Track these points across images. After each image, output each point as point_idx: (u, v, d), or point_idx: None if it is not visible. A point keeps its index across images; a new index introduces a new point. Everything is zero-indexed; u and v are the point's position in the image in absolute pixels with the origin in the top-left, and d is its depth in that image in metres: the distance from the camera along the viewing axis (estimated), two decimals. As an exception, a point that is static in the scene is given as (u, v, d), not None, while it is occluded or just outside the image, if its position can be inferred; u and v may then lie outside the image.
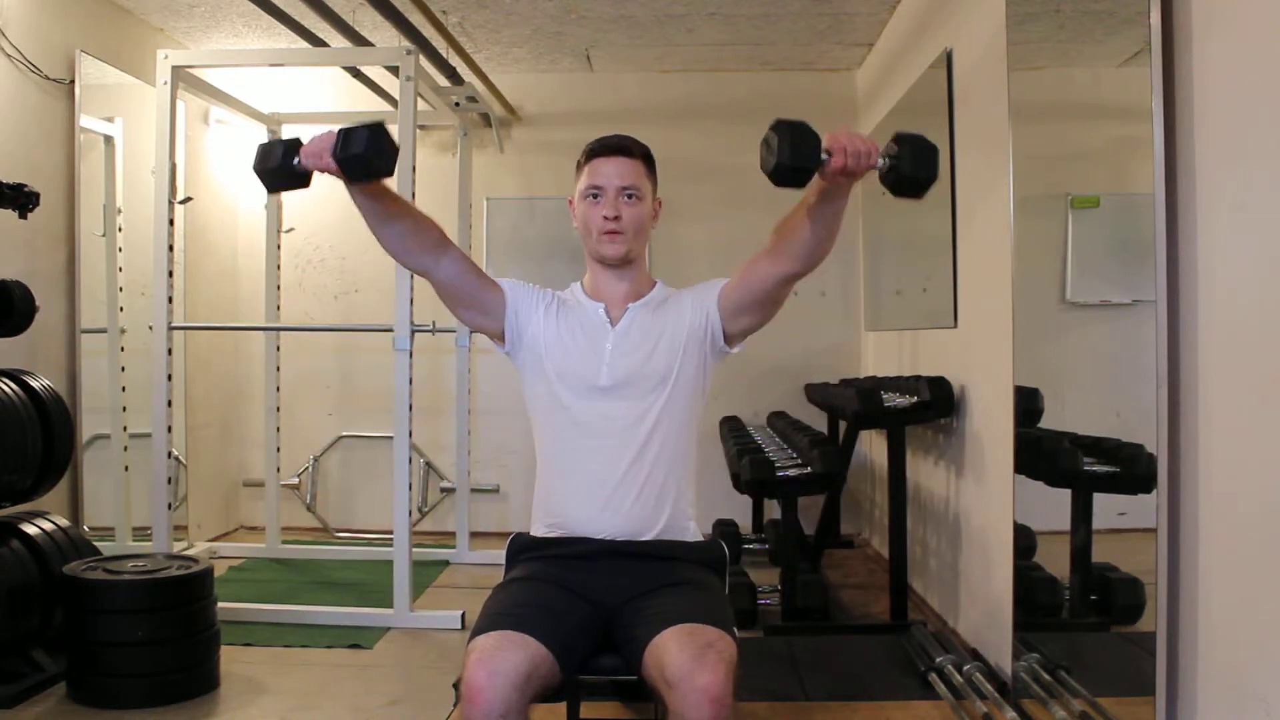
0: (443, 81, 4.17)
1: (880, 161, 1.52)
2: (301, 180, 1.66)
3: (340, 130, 1.58)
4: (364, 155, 1.57)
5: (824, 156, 1.50)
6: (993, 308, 2.83)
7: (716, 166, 4.92)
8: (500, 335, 1.91)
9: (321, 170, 1.62)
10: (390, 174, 1.64)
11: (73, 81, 3.60)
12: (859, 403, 3.35)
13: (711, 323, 1.86)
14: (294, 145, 1.63)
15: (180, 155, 3.70)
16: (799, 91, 4.93)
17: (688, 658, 1.49)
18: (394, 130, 3.35)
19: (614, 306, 1.92)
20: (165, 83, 3.48)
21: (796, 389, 4.76)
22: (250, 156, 1.70)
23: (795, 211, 1.71)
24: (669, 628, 1.57)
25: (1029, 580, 2.65)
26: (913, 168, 1.50)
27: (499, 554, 1.93)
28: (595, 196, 1.87)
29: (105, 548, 3.16)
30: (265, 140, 1.66)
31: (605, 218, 1.85)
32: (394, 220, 1.76)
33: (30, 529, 2.84)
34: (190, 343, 4.29)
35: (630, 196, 1.86)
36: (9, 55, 3.29)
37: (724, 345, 1.88)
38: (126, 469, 3.89)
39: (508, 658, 1.52)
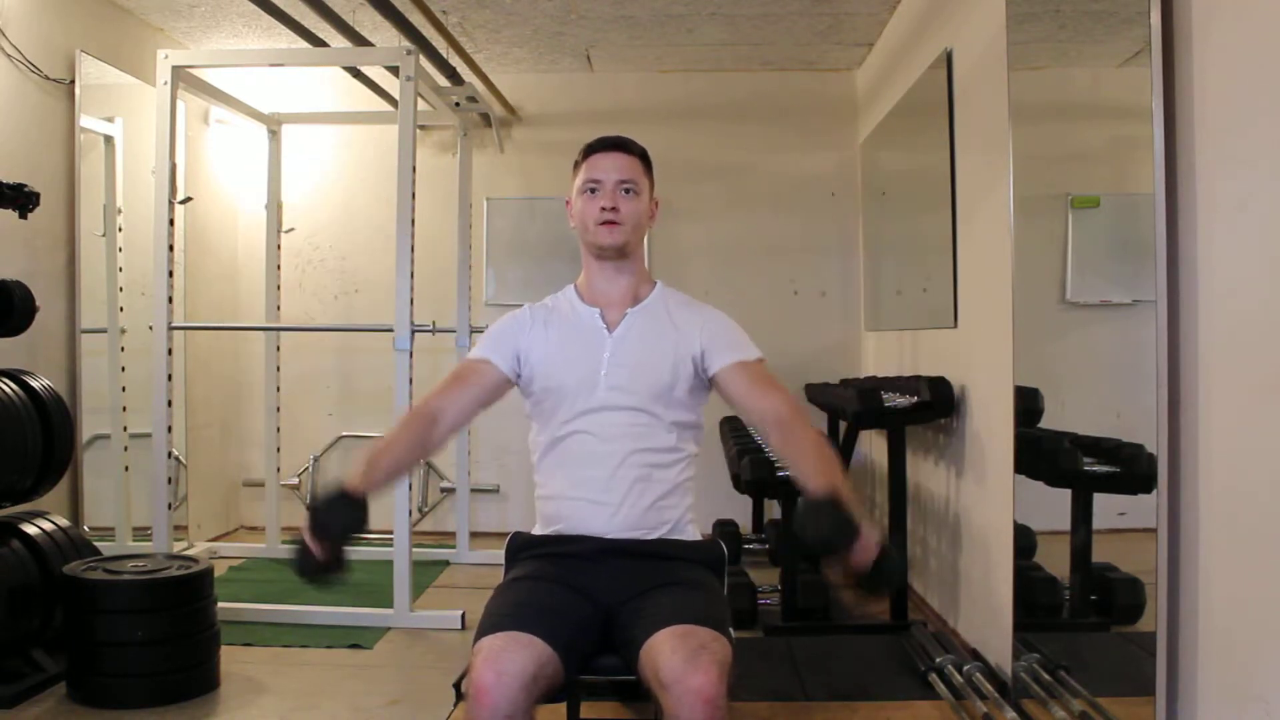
0: (443, 81, 4.17)
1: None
2: (342, 562, 1.72)
3: (309, 523, 1.64)
4: (339, 531, 1.65)
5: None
6: (993, 308, 2.83)
7: (716, 166, 4.93)
8: (515, 383, 1.92)
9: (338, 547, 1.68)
10: (363, 525, 1.68)
11: (73, 81, 3.60)
12: (859, 403, 3.35)
13: (704, 375, 1.86)
14: (305, 550, 1.67)
15: (180, 155, 3.70)
16: (799, 91, 4.93)
17: (681, 659, 1.49)
18: (394, 130, 3.40)
19: (610, 310, 1.90)
20: (165, 83, 3.48)
21: (796, 389, 4.75)
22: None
23: (788, 448, 1.77)
24: (663, 629, 1.56)
25: (1029, 580, 2.65)
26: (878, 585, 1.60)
27: (499, 554, 1.93)
28: (593, 190, 1.86)
29: (105, 548, 3.16)
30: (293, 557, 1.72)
31: (603, 208, 1.84)
32: (413, 462, 1.92)
33: (30, 529, 2.84)
34: (190, 343, 4.29)
35: (628, 190, 1.85)
36: (9, 55, 3.29)
37: (708, 386, 1.89)
38: (126, 469, 3.88)
39: (515, 658, 1.52)
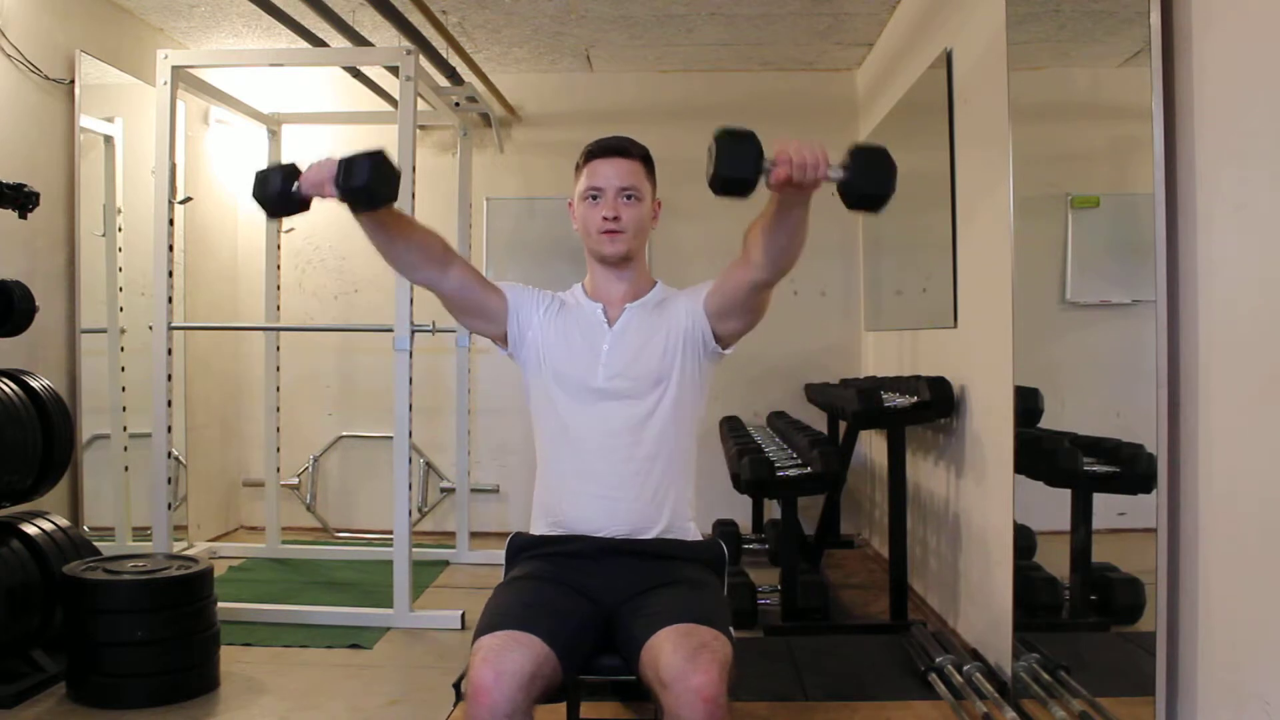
0: (443, 81, 4.17)
1: (832, 173, 1.44)
2: (303, 206, 1.63)
3: (341, 160, 1.56)
4: (368, 186, 1.54)
5: (766, 167, 1.43)
6: (993, 308, 2.83)
7: (716, 166, 4.92)
8: (503, 338, 1.93)
9: (324, 198, 1.60)
10: (394, 199, 1.61)
11: (73, 81, 3.60)
12: (859, 403, 3.35)
13: (700, 325, 1.86)
14: (293, 171, 1.61)
15: (180, 155, 3.70)
16: (799, 91, 4.93)
17: (681, 658, 1.49)
18: (393, 130, 3.40)
19: (612, 307, 1.92)
20: (165, 83, 3.48)
21: (796, 389, 4.76)
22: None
23: (757, 220, 1.69)
24: (664, 628, 1.57)
25: (1029, 580, 2.65)
26: (864, 183, 1.42)
27: (499, 554, 1.94)
28: (594, 198, 1.87)
29: (105, 548, 3.16)
30: (263, 167, 1.63)
31: (605, 218, 1.85)
32: (399, 240, 1.76)
33: (30, 529, 2.84)
34: (190, 343, 4.29)
35: (629, 197, 1.86)
36: (9, 55, 3.29)
37: (716, 346, 1.88)
38: (126, 469, 3.89)
39: (513, 658, 1.52)
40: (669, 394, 1.85)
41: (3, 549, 2.72)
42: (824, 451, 3.30)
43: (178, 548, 3.75)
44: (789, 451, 3.67)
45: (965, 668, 2.71)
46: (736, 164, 1.43)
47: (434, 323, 3.45)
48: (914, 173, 3.92)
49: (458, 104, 4.39)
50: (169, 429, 3.47)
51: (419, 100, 3.72)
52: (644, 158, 1.91)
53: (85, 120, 3.68)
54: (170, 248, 3.48)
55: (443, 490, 5.00)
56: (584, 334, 1.89)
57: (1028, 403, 2.63)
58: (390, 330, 3.39)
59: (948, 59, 3.30)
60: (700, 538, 1.90)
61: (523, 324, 1.90)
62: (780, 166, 1.44)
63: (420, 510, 4.95)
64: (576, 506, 1.83)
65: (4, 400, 2.77)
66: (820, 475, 3.27)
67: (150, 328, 3.51)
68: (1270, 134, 1.59)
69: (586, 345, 1.88)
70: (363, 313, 4.93)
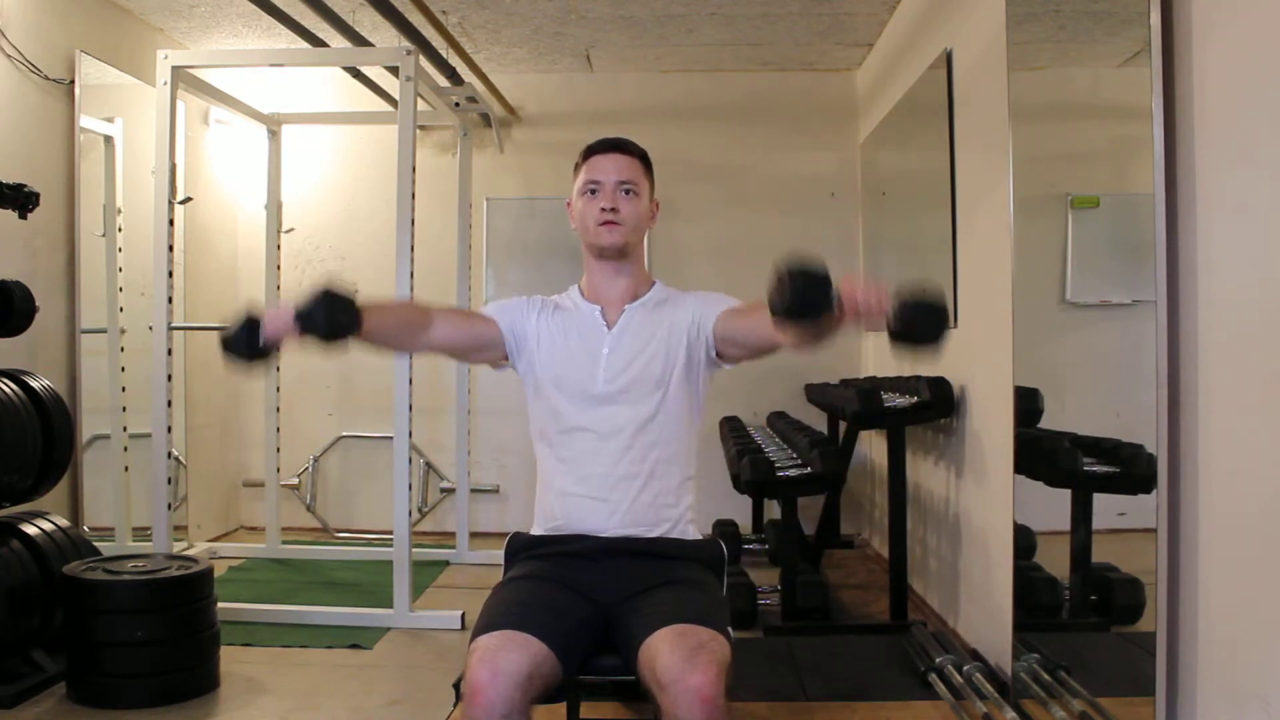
0: (443, 81, 4.17)
1: (889, 314, 1.44)
2: (276, 349, 1.63)
3: (295, 310, 1.55)
4: (327, 326, 1.55)
5: (833, 303, 1.42)
6: (993, 308, 2.83)
7: (716, 166, 4.93)
8: (504, 358, 1.92)
9: (294, 341, 1.60)
10: (357, 327, 1.59)
11: (73, 81, 3.60)
12: (859, 403, 3.35)
13: (705, 337, 1.85)
14: (254, 325, 1.60)
15: (180, 155, 3.70)
16: (799, 91, 4.93)
17: (679, 659, 1.49)
18: (393, 130, 3.40)
19: (610, 308, 1.91)
20: (165, 83, 3.48)
21: (796, 389, 4.76)
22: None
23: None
24: (662, 628, 1.56)
25: (1029, 580, 2.65)
26: (916, 334, 1.44)
27: (499, 554, 1.93)
28: (593, 191, 1.86)
29: (105, 548, 3.16)
30: (224, 327, 1.64)
31: (603, 209, 1.84)
32: (387, 340, 1.80)
33: (30, 529, 2.84)
34: (190, 343, 4.29)
35: (628, 191, 1.86)
36: (9, 55, 3.29)
37: (717, 360, 1.87)
38: (126, 469, 3.89)
39: (510, 657, 1.51)
40: (669, 396, 1.84)
41: (3, 549, 2.72)
42: (824, 452, 3.30)
43: (178, 548, 3.75)
44: (789, 451, 3.67)
45: (965, 668, 2.70)
46: (810, 305, 1.41)
47: (434, 323, 3.45)
48: (914, 173, 3.92)
49: (458, 104, 4.40)
50: (169, 429, 3.47)
51: (419, 100, 3.72)
52: (643, 157, 1.91)
53: (85, 120, 3.68)
54: (170, 248, 3.48)
55: (443, 490, 5.00)
56: (582, 337, 1.88)
57: (1028, 403, 2.63)
58: (390, 330, 3.39)
59: (948, 59, 3.30)
60: (700, 538, 1.90)
61: (519, 337, 1.90)
62: (847, 309, 1.42)
63: (420, 510, 4.95)
64: (577, 510, 1.83)
65: (4, 400, 2.77)
66: (820, 475, 3.27)
67: (150, 328, 3.51)
68: (1270, 134, 1.59)
69: (585, 348, 1.87)
70: (363, 313, 4.92)
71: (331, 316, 1.55)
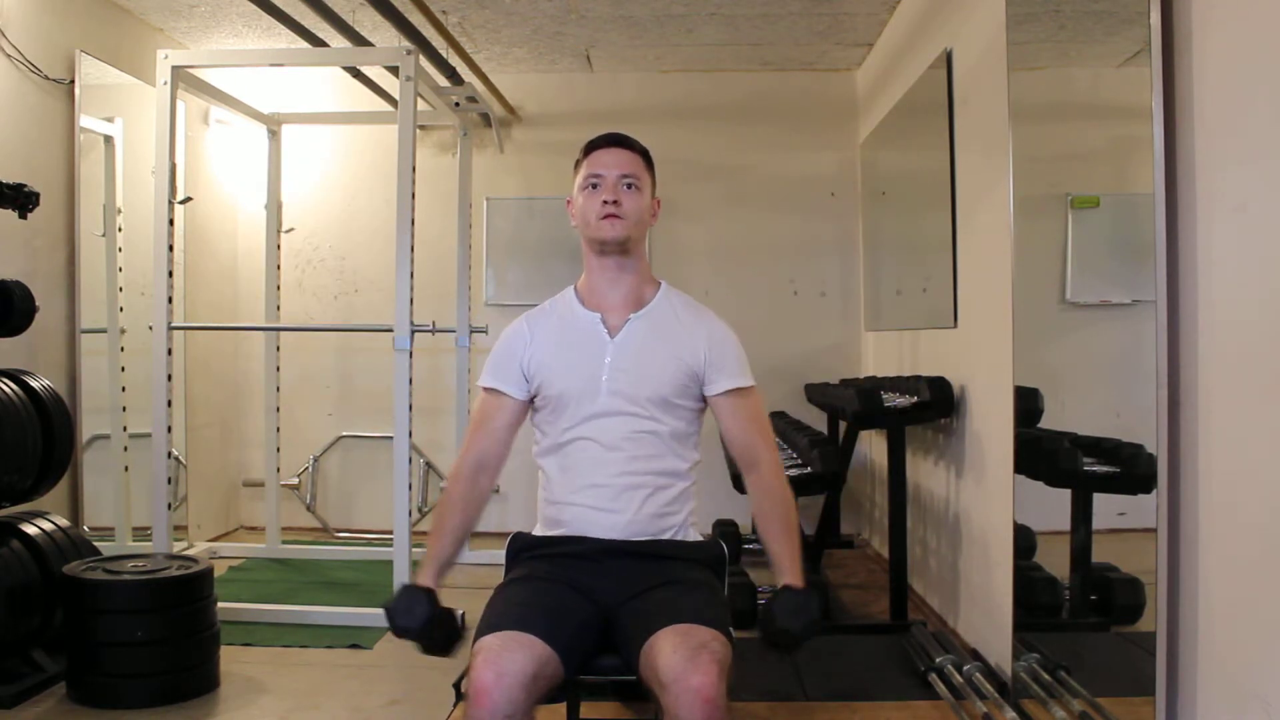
0: (443, 81, 4.17)
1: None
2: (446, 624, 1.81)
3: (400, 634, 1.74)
4: (442, 646, 1.77)
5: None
6: (993, 308, 2.83)
7: (716, 166, 4.93)
8: (534, 398, 1.92)
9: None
10: (458, 635, 1.80)
11: (73, 81, 3.60)
12: (859, 403, 3.34)
13: (702, 390, 1.87)
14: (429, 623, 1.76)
15: (180, 155, 3.70)
16: (799, 91, 4.93)
17: (681, 658, 1.49)
18: (393, 130, 3.40)
19: (612, 314, 1.88)
20: (165, 83, 3.48)
21: (796, 389, 4.76)
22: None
23: (769, 537, 1.85)
24: (663, 628, 1.56)
25: (1029, 580, 2.65)
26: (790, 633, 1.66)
27: (499, 554, 1.94)
28: (595, 185, 1.85)
29: (105, 548, 3.16)
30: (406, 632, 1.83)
31: (605, 202, 1.82)
32: (471, 525, 1.93)
33: (30, 529, 2.84)
34: (190, 343, 4.29)
35: (630, 185, 1.85)
36: (9, 55, 3.29)
37: (703, 399, 1.90)
38: (126, 469, 3.89)
39: (514, 658, 1.52)
40: (671, 403, 1.84)
41: (3, 549, 2.72)
42: (824, 451, 3.30)
43: (178, 548, 3.74)
44: (789, 452, 3.67)
45: (965, 668, 2.71)
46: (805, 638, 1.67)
47: (434, 323, 3.45)
48: (914, 173, 3.92)
49: (458, 104, 4.39)
50: (169, 429, 3.46)
51: (419, 100, 3.71)
52: (644, 153, 1.91)
53: (85, 120, 3.68)
54: (170, 248, 3.48)
55: (443, 490, 4.98)
56: (582, 346, 1.86)
57: (1027, 403, 2.63)
58: (390, 330, 3.39)
59: (948, 59, 3.30)
60: (700, 538, 1.90)
61: (529, 375, 1.89)
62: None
63: (420, 510, 4.94)
64: (579, 520, 1.82)
65: (4, 400, 2.77)
66: (820, 475, 3.27)
67: (150, 328, 3.51)
68: (1270, 134, 1.59)
69: (586, 359, 1.85)
70: (362, 313, 4.93)
71: (431, 649, 1.76)
